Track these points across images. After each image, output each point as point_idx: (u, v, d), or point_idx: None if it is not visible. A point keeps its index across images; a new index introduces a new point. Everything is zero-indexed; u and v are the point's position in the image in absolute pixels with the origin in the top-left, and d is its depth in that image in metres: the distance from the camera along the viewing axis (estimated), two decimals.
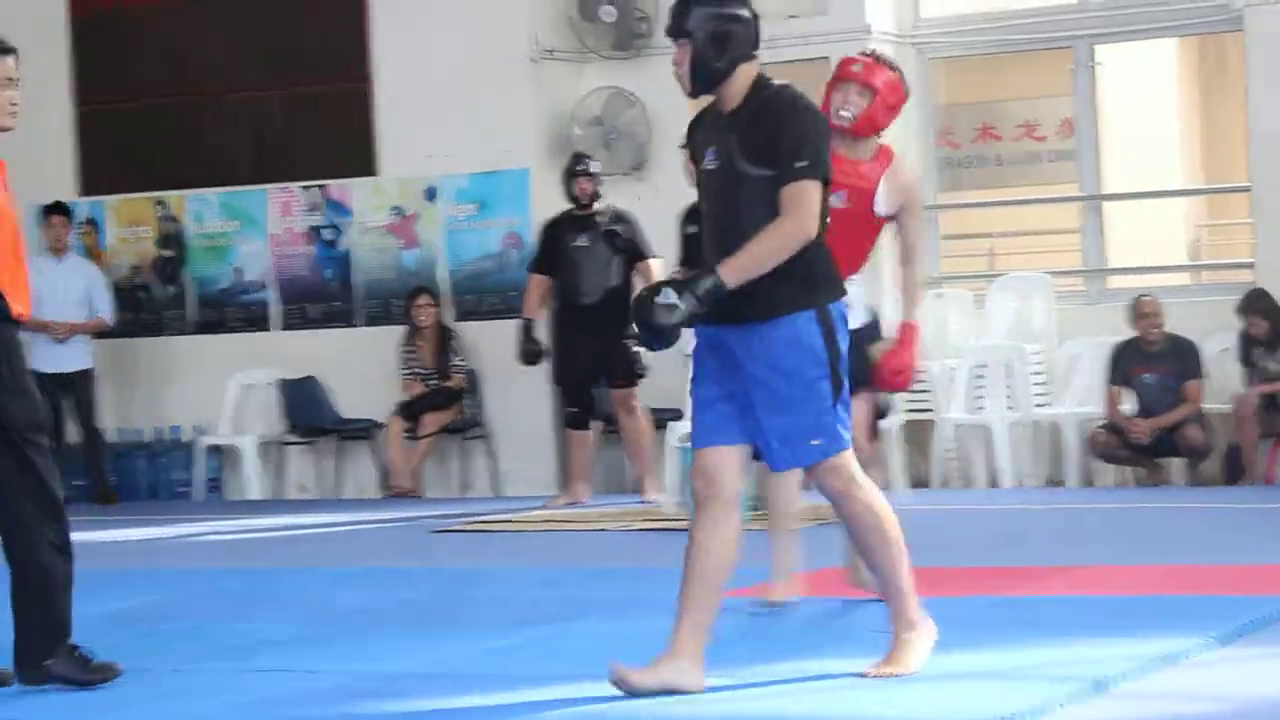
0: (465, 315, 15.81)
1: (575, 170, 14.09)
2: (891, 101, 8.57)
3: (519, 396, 15.34)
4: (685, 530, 12.10)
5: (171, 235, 16.54)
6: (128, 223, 16.63)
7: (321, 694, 7.45)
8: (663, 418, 14.17)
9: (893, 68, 8.69)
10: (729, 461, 7.09)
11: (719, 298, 6.74)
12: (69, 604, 7.67)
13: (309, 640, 8.69)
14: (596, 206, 14.02)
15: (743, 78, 6.99)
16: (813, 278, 6.91)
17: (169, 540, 13.54)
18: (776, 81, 7.05)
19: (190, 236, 16.49)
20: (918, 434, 14.66)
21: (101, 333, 15.91)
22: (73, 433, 16.03)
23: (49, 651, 7.55)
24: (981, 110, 16.01)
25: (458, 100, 15.63)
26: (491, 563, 11.52)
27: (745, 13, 7.03)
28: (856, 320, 8.02)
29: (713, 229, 7.04)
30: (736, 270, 6.75)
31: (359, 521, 14.01)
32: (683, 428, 13.48)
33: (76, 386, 15.92)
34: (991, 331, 14.87)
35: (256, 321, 16.32)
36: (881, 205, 8.52)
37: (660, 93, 15.26)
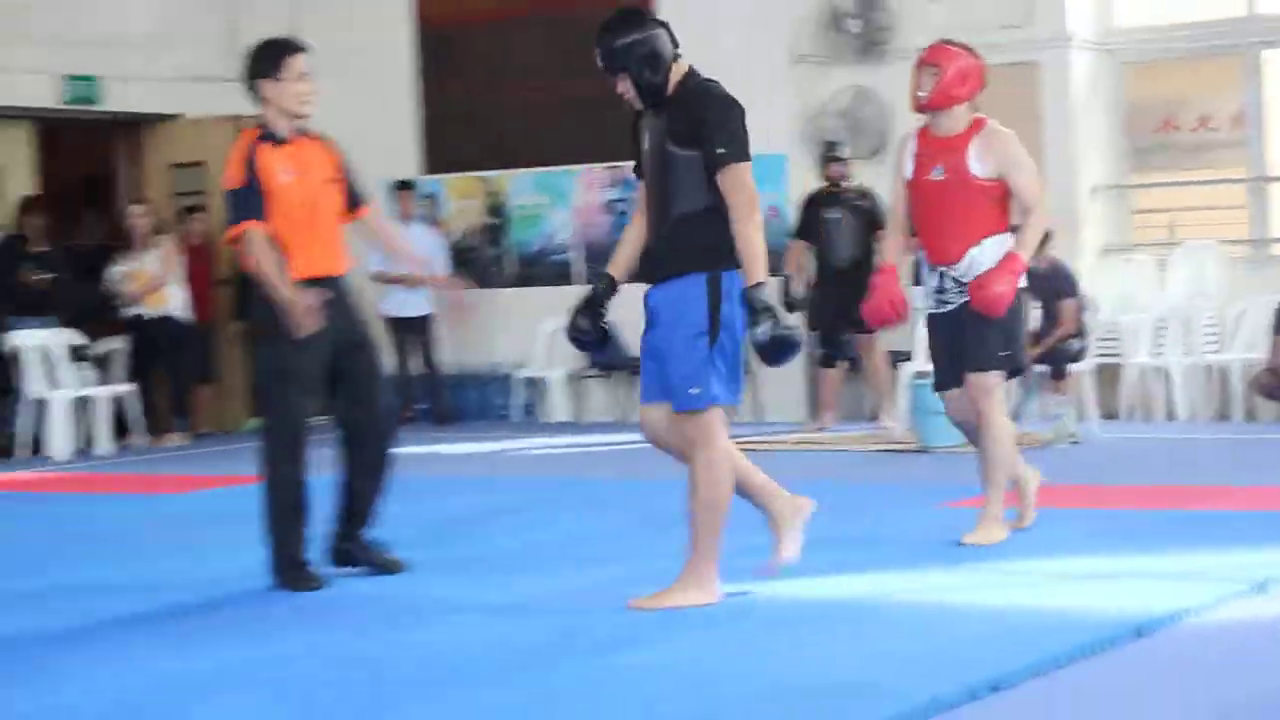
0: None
1: (828, 156, 14.20)
2: (964, 71, 8.08)
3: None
4: (913, 451, 12.32)
5: (496, 207, 16.80)
6: (461, 196, 16.88)
7: (605, 582, 7.55)
8: (897, 359, 14.21)
9: (963, 47, 8.22)
10: (657, 418, 7.02)
11: (765, 297, 6.71)
12: None
13: (626, 536, 8.85)
14: (845, 185, 14.08)
15: (674, 76, 6.92)
16: (713, 249, 6.75)
17: (494, 453, 13.81)
18: (703, 76, 7.01)
19: (511, 208, 16.74)
20: (1108, 375, 14.55)
21: (442, 285, 16.16)
22: (418, 365, 16.34)
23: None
24: (1164, 106, 15.78)
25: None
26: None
27: (655, 28, 6.94)
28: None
29: (651, 201, 6.94)
30: (756, 264, 6.68)
31: (645, 442, 14.14)
32: (913, 367, 13.54)
33: (421, 328, 16.23)
34: (1171, 291, 14.70)
35: (563, 277, 16.51)
36: (975, 165, 8.02)
37: (896, 90, 15.20)
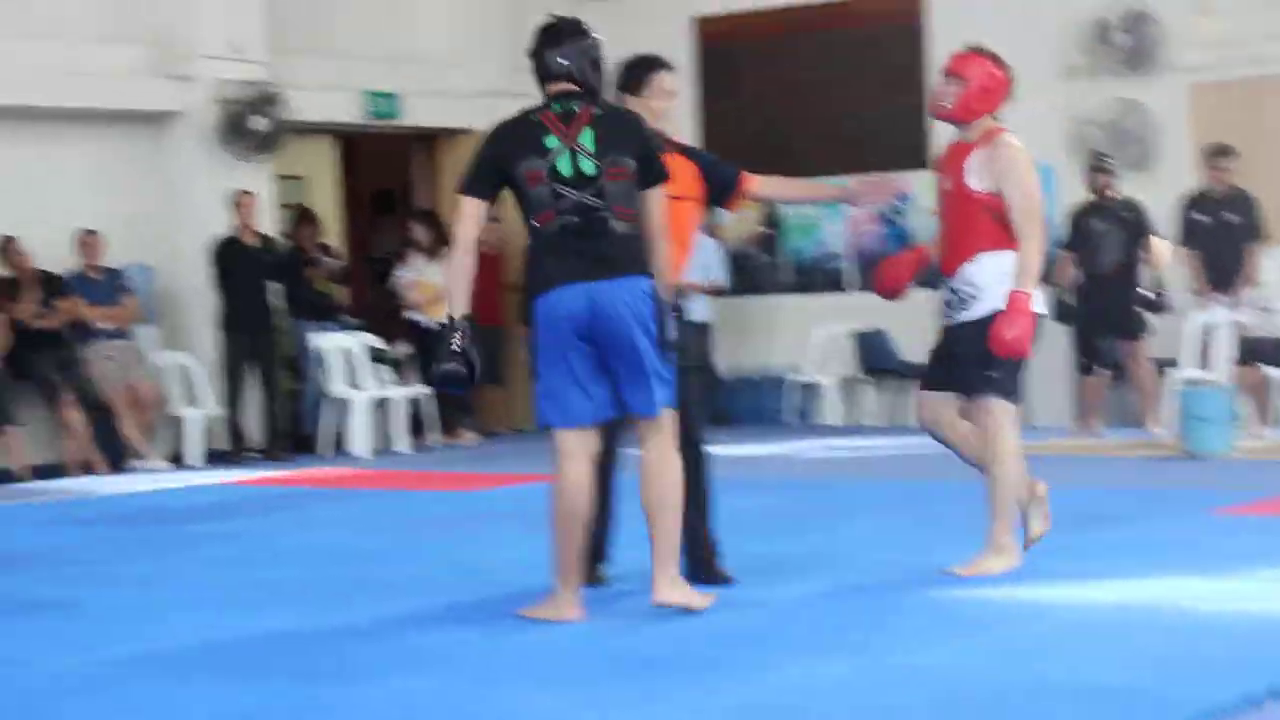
0: None
1: (1096, 167, 13.94)
2: (987, 85, 7.61)
3: (1045, 343, 15.15)
4: (1182, 457, 12.04)
5: (772, 216, 16.79)
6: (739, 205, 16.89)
7: (894, 582, 7.51)
8: (1163, 365, 13.95)
9: (991, 57, 7.74)
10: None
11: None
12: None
13: (886, 536, 8.78)
14: (1112, 196, 13.82)
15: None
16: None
17: (772, 457, 13.78)
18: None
19: (786, 217, 16.73)
20: None
21: (718, 292, 16.22)
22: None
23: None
24: None
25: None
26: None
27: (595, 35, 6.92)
28: (987, 306, 7.41)
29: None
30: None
31: (919, 445, 14.04)
32: (1181, 374, 13.27)
33: (700, 332, 16.20)
34: None
35: (836, 284, 16.48)
36: (973, 177, 7.46)
37: (1162, 102, 15.01)
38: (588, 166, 6.59)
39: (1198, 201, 13.72)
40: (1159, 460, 12.26)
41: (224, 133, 15.00)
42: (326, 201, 17.75)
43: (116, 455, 14.08)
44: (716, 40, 16.87)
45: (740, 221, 16.51)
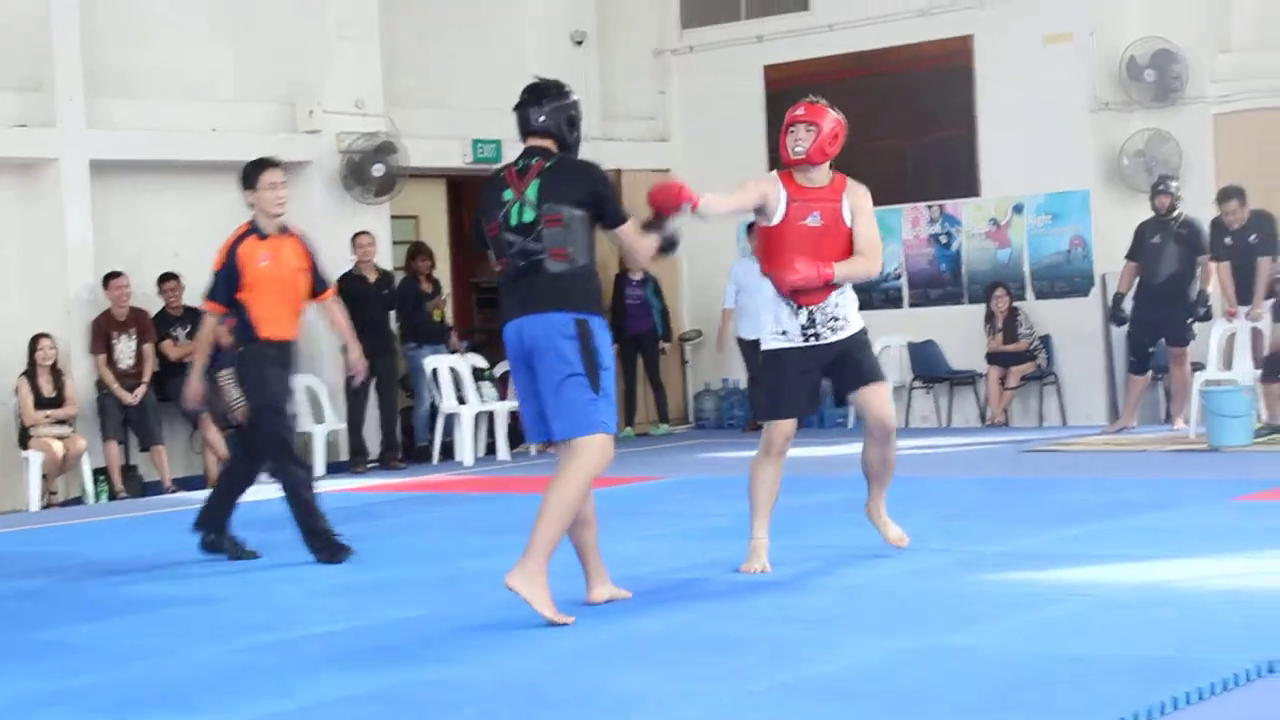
0: (1041, 295, 15.68)
1: (1157, 189, 13.90)
2: (836, 132, 7.66)
3: (1079, 352, 15.16)
4: (1206, 451, 11.95)
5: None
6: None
7: (943, 567, 7.50)
8: (1194, 368, 13.86)
9: (832, 108, 7.78)
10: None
11: None
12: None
13: (937, 526, 8.76)
14: (1171, 214, 13.73)
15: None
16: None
17: (823, 457, 13.72)
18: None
19: None
20: None
21: None
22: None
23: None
24: None
25: (1037, 140, 15.50)
26: (1063, 473, 11.43)
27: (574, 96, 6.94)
28: (852, 328, 7.63)
29: None
30: None
31: (966, 444, 14.04)
32: (1205, 375, 13.16)
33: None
34: None
35: (893, 301, 16.44)
36: (847, 215, 7.63)
37: (1188, 131, 14.91)
38: (529, 215, 6.65)
39: (1220, 225, 13.62)
40: (1185, 453, 12.16)
41: (347, 179, 15.14)
42: (439, 237, 17.85)
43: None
44: (783, 85, 16.86)
45: None
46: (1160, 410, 14.55)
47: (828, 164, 7.71)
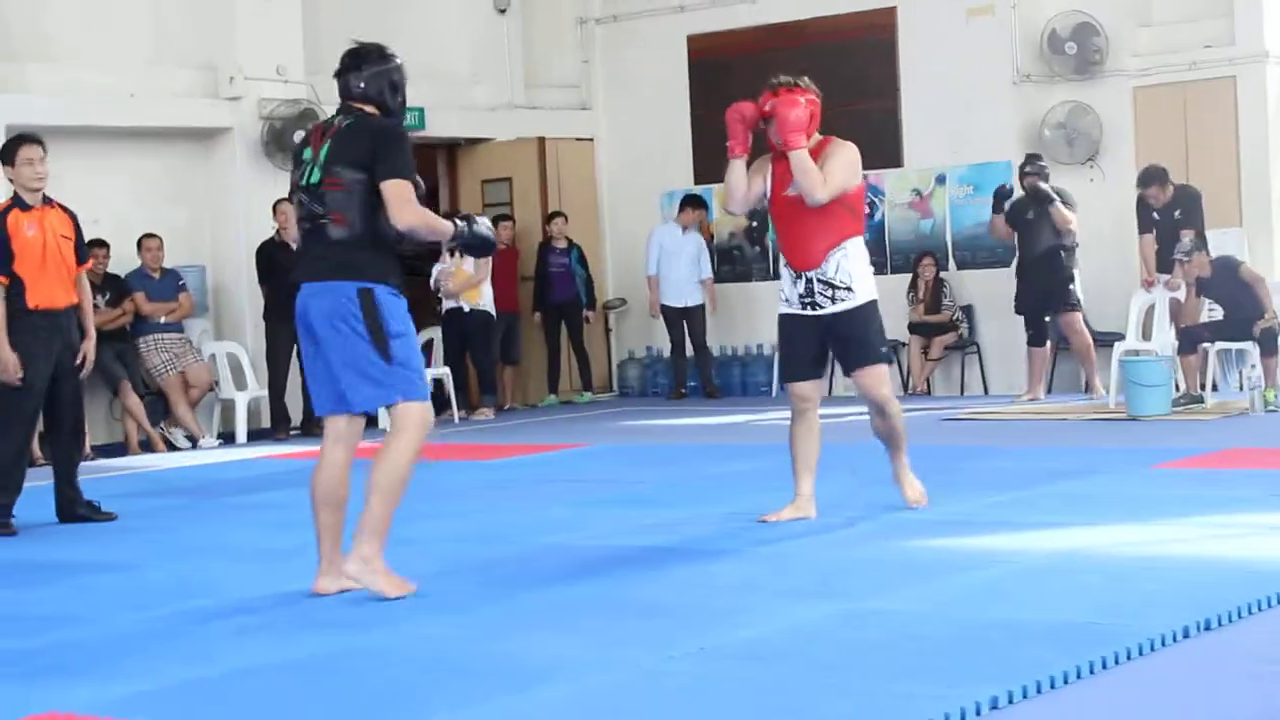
0: (963, 265, 15.74)
1: (1025, 170, 14.03)
2: (800, 117, 7.62)
3: (1001, 322, 15.23)
4: (1125, 419, 12.04)
5: (757, 211, 16.66)
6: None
7: (865, 534, 7.51)
8: (1110, 339, 13.97)
9: (798, 87, 7.76)
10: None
11: None
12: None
13: (859, 494, 8.76)
14: (1042, 190, 13.79)
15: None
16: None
17: (756, 424, 13.77)
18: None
19: (766, 212, 16.64)
20: None
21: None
22: (689, 348, 16.36)
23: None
24: None
25: (960, 111, 15.54)
26: (984, 442, 11.48)
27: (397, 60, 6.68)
28: (857, 298, 7.65)
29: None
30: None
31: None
32: (1124, 345, 13.26)
33: (691, 316, 16.25)
34: None
35: None
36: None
37: (1109, 104, 14.98)
38: (315, 176, 6.41)
39: (1144, 202, 13.69)
40: (1104, 422, 12.24)
41: (268, 146, 15.00)
42: None
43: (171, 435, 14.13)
44: (706, 54, 16.83)
45: (728, 216, 16.49)
46: (1080, 380, 14.64)
47: (808, 136, 7.68)
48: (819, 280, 7.67)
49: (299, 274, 6.49)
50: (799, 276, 7.72)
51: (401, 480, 6.35)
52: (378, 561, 6.32)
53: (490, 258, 15.51)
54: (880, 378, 7.82)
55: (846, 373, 7.98)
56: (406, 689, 5.03)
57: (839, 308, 7.70)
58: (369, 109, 6.54)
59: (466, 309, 15.40)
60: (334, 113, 6.61)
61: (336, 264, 6.34)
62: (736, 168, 7.82)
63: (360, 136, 6.41)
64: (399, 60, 6.64)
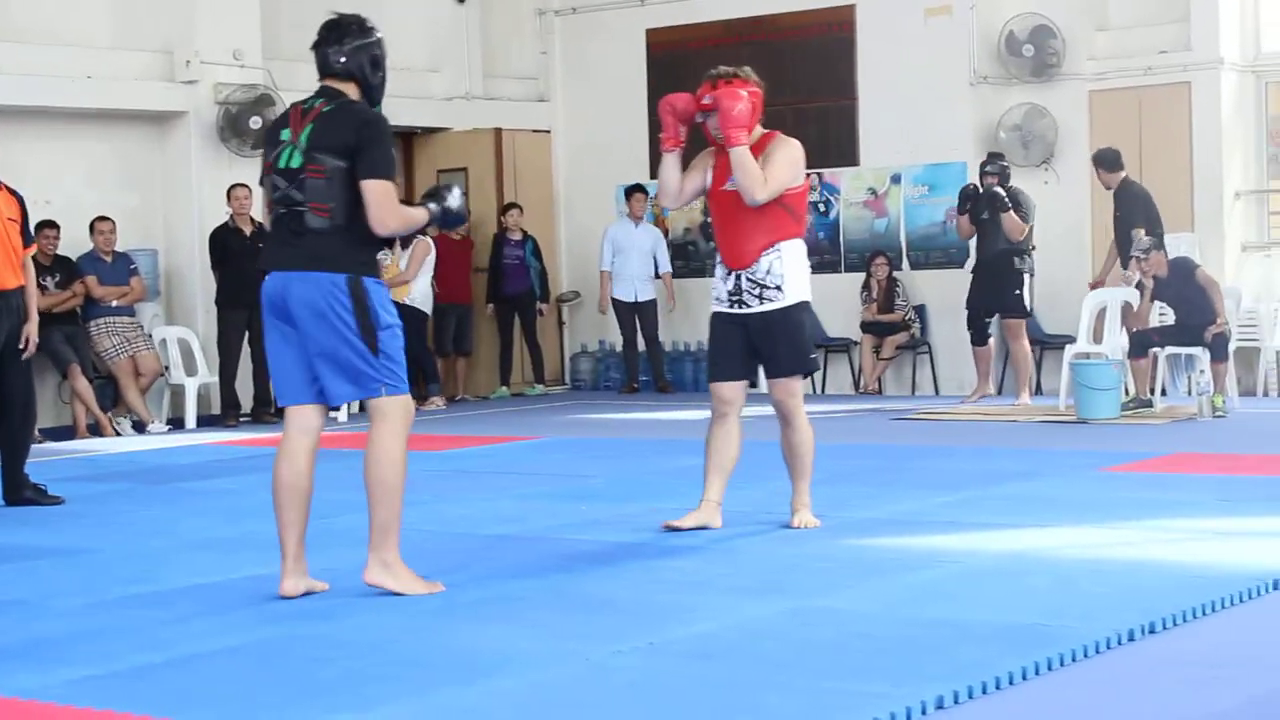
0: (916, 265, 15.81)
1: (985, 169, 13.84)
2: (755, 104, 7.45)
3: (953, 323, 15.29)
4: (1074, 422, 12.12)
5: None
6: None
7: (813, 532, 7.53)
8: (1061, 342, 14.04)
9: (737, 78, 7.56)
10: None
11: None
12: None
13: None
14: (997, 190, 13.69)
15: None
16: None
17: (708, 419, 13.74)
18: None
19: None
20: (1248, 358, 14.25)
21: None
22: (642, 343, 16.38)
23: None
24: None
25: (916, 111, 15.60)
26: (933, 441, 11.53)
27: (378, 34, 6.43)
28: (785, 299, 7.40)
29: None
30: None
31: (838, 411, 14.11)
32: (1075, 348, 13.33)
33: (644, 311, 16.27)
34: None
35: None
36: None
37: (1065, 106, 15.08)
38: (296, 160, 6.17)
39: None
40: (1054, 424, 12.31)
41: (223, 131, 14.95)
42: None
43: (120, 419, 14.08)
44: (665, 49, 16.85)
45: (682, 211, 16.51)
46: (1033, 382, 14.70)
47: (750, 131, 7.45)
48: (748, 279, 7.44)
49: (270, 260, 6.27)
50: (730, 274, 7.50)
51: (402, 475, 6.24)
52: (399, 565, 6.23)
53: (427, 258, 15.45)
54: (791, 388, 7.54)
55: (767, 376, 7.66)
56: (356, 679, 5.03)
57: (765, 307, 7.45)
58: (349, 89, 6.31)
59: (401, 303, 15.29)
60: (314, 94, 6.35)
61: (316, 254, 6.13)
62: (669, 162, 7.59)
63: (344, 125, 6.18)
64: (380, 34, 6.38)
